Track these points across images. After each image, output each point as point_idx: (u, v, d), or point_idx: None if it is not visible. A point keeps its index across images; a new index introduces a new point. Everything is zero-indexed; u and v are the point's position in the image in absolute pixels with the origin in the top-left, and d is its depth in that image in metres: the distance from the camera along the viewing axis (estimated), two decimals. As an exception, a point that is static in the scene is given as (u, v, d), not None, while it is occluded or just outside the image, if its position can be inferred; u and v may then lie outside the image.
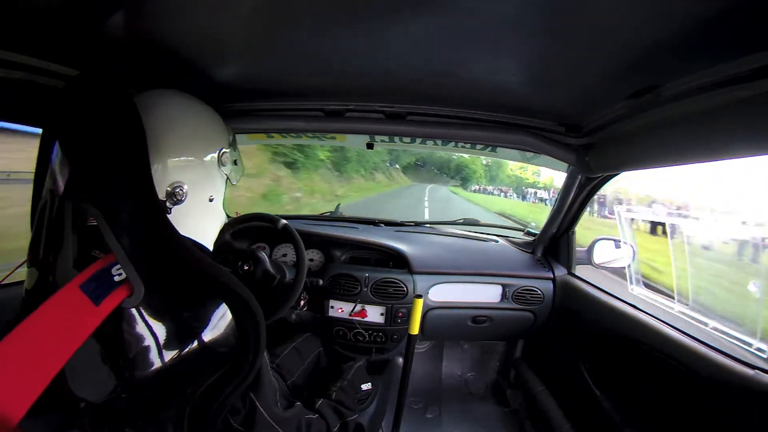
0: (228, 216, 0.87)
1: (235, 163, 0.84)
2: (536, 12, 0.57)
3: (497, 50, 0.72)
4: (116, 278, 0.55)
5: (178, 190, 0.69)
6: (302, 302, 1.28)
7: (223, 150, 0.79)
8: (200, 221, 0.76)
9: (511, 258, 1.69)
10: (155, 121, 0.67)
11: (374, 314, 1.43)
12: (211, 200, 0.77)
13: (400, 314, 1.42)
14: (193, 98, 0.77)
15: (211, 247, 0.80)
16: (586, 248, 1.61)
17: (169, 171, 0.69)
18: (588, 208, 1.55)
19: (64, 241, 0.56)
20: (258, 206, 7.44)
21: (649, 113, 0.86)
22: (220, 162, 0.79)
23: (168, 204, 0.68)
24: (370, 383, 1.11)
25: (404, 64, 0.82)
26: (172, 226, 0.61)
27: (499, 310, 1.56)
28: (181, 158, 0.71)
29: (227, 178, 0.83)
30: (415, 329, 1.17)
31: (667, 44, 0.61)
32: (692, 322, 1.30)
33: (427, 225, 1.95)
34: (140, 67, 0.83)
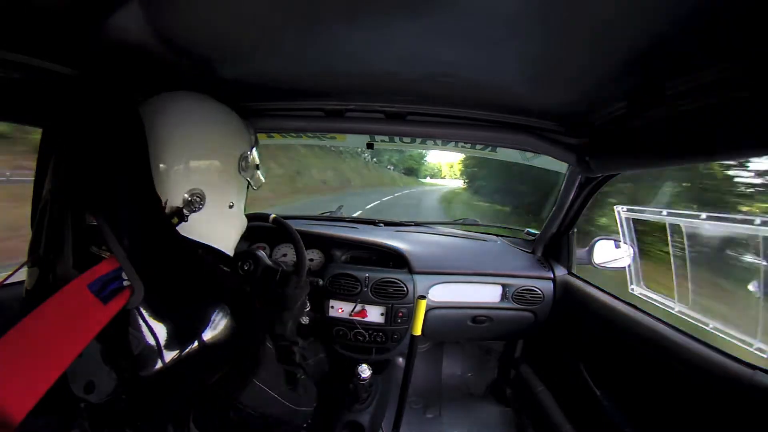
0: None
1: (257, 167, 0.79)
2: (536, 12, 0.57)
3: (497, 50, 0.72)
4: (125, 282, 0.55)
5: (196, 198, 0.66)
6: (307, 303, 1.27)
7: (244, 154, 0.75)
8: (219, 228, 0.72)
9: (511, 258, 1.69)
10: (168, 126, 0.65)
11: (374, 314, 1.43)
12: (230, 207, 0.73)
13: (401, 314, 1.42)
14: (209, 99, 0.73)
15: (231, 253, 0.77)
16: (586, 248, 1.61)
17: (186, 177, 0.66)
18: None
19: (64, 241, 0.56)
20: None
21: (649, 113, 0.86)
22: (240, 167, 0.74)
23: (185, 211, 0.65)
24: None
25: (404, 64, 0.82)
26: (174, 229, 0.61)
27: (499, 310, 1.56)
28: (198, 163, 0.68)
29: (248, 184, 0.79)
30: (418, 330, 1.17)
31: (667, 44, 0.61)
32: (693, 321, 1.30)
33: (428, 225, 1.95)
34: (139, 67, 0.83)
